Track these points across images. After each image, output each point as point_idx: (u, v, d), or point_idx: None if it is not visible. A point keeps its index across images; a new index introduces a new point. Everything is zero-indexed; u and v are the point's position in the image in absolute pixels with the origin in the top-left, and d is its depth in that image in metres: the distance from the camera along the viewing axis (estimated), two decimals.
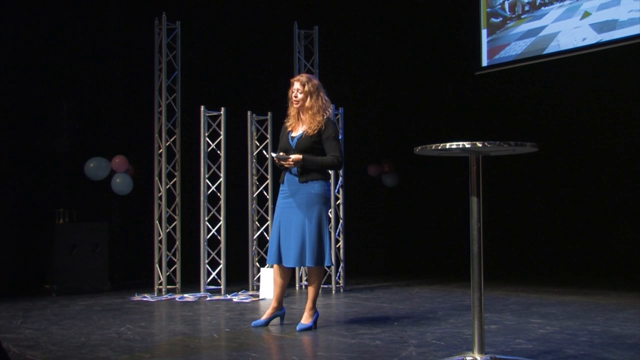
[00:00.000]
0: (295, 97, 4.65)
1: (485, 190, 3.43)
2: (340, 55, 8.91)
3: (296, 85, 4.66)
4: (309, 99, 4.62)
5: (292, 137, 4.67)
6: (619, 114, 7.52)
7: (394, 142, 9.19)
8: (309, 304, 4.63)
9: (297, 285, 6.94)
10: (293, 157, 4.54)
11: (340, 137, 6.82)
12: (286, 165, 4.59)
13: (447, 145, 3.26)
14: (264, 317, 4.72)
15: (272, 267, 6.45)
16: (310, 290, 4.65)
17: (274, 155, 4.62)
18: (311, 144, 4.58)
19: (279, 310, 4.76)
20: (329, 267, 4.67)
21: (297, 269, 6.82)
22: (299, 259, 4.53)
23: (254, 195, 6.98)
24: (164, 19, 6.79)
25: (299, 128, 4.68)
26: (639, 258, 7.22)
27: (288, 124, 4.75)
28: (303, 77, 4.70)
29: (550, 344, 3.98)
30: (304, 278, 6.89)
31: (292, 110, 4.73)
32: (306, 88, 4.63)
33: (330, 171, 4.90)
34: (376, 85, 9.34)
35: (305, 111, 4.65)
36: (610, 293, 6.23)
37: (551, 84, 8.03)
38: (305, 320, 4.60)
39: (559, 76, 7.87)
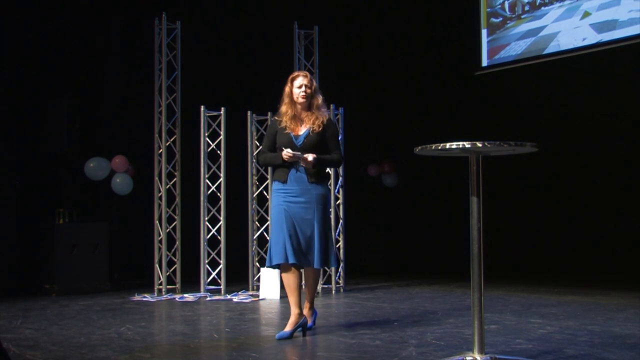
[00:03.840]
0: (305, 92, 4.46)
1: (485, 190, 3.43)
2: (340, 55, 8.91)
3: (302, 80, 4.48)
4: (316, 93, 4.53)
5: (296, 136, 4.46)
6: (619, 114, 7.51)
7: (394, 142, 9.19)
8: (307, 305, 4.53)
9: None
10: (310, 156, 4.36)
11: (340, 138, 6.83)
12: (304, 165, 4.37)
13: (447, 145, 3.26)
14: (288, 327, 4.33)
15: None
16: (309, 292, 4.53)
17: (290, 152, 4.33)
18: (318, 142, 4.44)
19: (304, 318, 4.40)
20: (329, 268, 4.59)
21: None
22: (321, 259, 4.34)
23: (254, 195, 6.98)
24: (164, 19, 6.80)
25: (299, 127, 4.49)
26: (639, 258, 7.22)
27: (283, 123, 4.51)
28: (306, 73, 4.58)
29: (550, 344, 3.98)
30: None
31: (288, 108, 4.50)
32: (314, 84, 4.55)
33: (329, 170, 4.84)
34: (376, 85, 9.34)
35: (310, 108, 4.51)
36: (610, 293, 6.24)
37: (551, 84, 8.02)
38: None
39: (559, 76, 7.87)
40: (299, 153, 4.37)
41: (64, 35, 7.51)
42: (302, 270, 4.53)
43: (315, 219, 4.37)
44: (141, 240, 7.50)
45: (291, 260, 4.30)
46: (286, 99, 4.53)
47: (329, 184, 4.66)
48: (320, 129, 4.46)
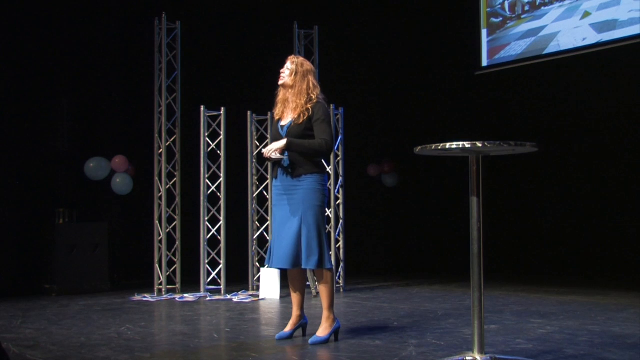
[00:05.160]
0: (281, 74, 4.32)
1: (485, 190, 3.43)
2: (340, 55, 8.91)
3: (287, 63, 4.33)
4: (292, 76, 4.26)
5: (282, 126, 4.26)
6: (619, 114, 7.52)
7: (394, 142, 9.19)
8: (324, 312, 4.21)
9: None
10: (276, 144, 4.14)
11: (340, 137, 6.83)
12: (272, 155, 4.14)
13: (447, 145, 3.26)
14: (288, 328, 4.30)
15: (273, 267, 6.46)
16: (321, 297, 4.21)
17: (266, 153, 4.20)
18: (302, 132, 4.16)
19: (302, 320, 4.34)
20: (329, 269, 4.15)
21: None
22: (293, 260, 4.08)
23: (254, 195, 6.98)
24: (164, 19, 6.79)
25: (287, 115, 4.29)
26: (638, 258, 7.22)
27: (276, 111, 4.36)
28: (295, 57, 4.40)
29: (550, 344, 3.98)
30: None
31: (279, 94, 4.35)
32: (292, 66, 4.29)
33: (322, 161, 4.35)
34: (376, 85, 9.34)
35: (288, 91, 4.29)
36: (610, 293, 6.23)
37: (551, 84, 8.03)
38: (321, 332, 4.17)
39: (559, 76, 7.87)
40: (271, 146, 4.16)
41: (64, 36, 7.51)
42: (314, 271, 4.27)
43: (302, 217, 4.10)
44: (141, 240, 7.51)
45: (280, 265, 4.17)
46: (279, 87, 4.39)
47: (324, 177, 4.24)
48: (305, 117, 4.18)
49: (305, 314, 4.39)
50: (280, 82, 4.33)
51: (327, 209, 4.38)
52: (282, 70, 4.35)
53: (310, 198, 4.14)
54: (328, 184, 6.63)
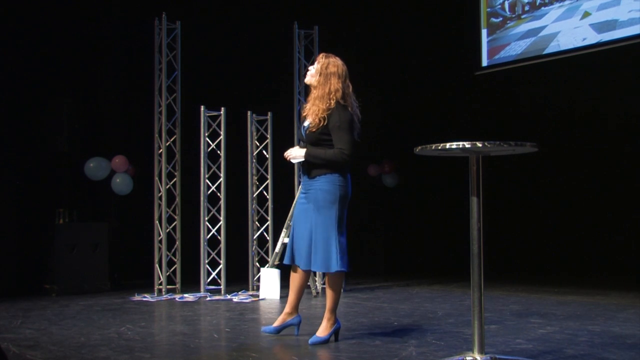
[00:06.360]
0: (309, 70, 4.21)
1: (485, 190, 3.43)
2: (340, 56, 8.88)
3: (315, 61, 4.23)
4: (316, 77, 4.15)
5: (304, 127, 4.19)
6: (618, 114, 7.51)
7: (394, 142, 9.19)
8: (326, 313, 4.16)
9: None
10: (295, 153, 4.17)
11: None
12: (291, 160, 4.24)
13: (447, 145, 3.26)
14: (276, 323, 4.30)
15: (275, 267, 6.47)
16: (327, 298, 4.15)
17: (286, 155, 4.28)
18: (318, 137, 4.08)
19: (294, 318, 4.30)
20: (339, 272, 4.03)
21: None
22: (308, 261, 4.08)
23: (254, 195, 6.99)
24: (164, 19, 6.80)
25: (309, 115, 4.17)
26: (638, 258, 7.22)
27: (305, 107, 4.23)
28: (325, 56, 4.25)
29: (550, 344, 3.98)
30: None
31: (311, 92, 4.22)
32: (318, 66, 4.17)
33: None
34: (376, 85, 9.33)
35: (312, 91, 4.18)
36: (610, 293, 6.24)
37: (551, 84, 8.03)
38: (320, 332, 4.13)
39: (559, 76, 7.87)
40: (291, 153, 4.23)
41: (64, 35, 7.50)
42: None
43: (314, 218, 4.07)
44: (141, 240, 7.50)
45: (287, 261, 4.21)
46: None
47: (340, 177, 4.09)
48: (321, 125, 4.06)
49: (298, 313, 4.33)
50: (306, 81, 4.26)
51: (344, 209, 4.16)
52: (309, 68, 4.27)
53: (321, 199, 4.07)
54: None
